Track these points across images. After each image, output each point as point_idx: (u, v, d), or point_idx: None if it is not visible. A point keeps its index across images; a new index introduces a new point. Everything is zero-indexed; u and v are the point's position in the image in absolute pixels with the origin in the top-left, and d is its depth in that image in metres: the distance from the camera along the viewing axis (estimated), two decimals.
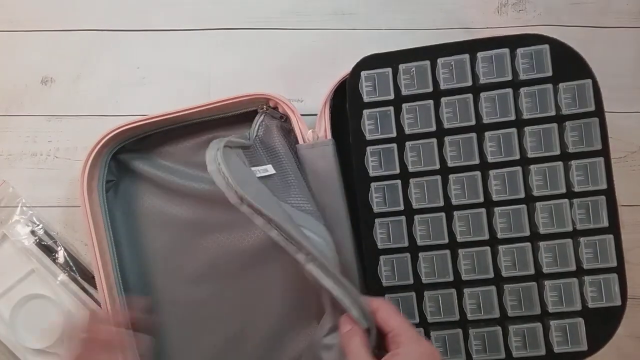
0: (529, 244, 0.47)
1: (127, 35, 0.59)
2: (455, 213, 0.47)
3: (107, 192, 0.55)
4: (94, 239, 0.52)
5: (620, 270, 0.46)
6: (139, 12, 0.59)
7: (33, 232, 0.57)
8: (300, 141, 0.51)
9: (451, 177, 0.47)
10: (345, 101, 0.50)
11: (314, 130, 0.51)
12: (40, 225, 0.57)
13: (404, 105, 0.48)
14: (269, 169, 0.50)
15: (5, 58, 0.60)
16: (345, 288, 0.39)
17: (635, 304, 0.54)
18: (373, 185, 0.48)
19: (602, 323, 0.46)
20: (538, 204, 0.47)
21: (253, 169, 0.48)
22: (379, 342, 0.41)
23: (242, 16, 0.59)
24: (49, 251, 0.56)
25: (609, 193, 0.47)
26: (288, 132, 0.54)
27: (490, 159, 0.47)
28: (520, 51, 0.47)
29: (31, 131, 0.59)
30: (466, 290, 0.47)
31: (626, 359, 0.55)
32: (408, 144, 0.48)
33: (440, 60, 0.47)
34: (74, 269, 0.56)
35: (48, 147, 0.59)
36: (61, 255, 0.57)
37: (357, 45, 0.58)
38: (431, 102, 0.47)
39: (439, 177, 0.48)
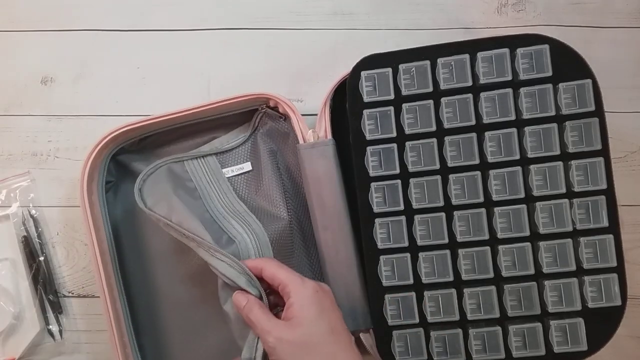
0: (529, 243, 0.47)
1: (127, 35, 0.59)
2: (455, 213, 0.47)
3: (107, 192, 0.55)
4: (94, 240, 0.52)
5: (620, 270, 0.46)
6: (139, 12, 0.59)
7: (26, 229, 0.57)
8: (301, 141, 0.51)
9: (451, 177, 0.47)
10: (345, 101, 0.50)
11: (314, 130, 0.51)
12: (34, 227, 0.57)
13: (404, 105, 0.48)
14: (245, 167, 0.55)
15: (5, 58, 0.60)
16: (230, 261, 0.45)
17: (635, 304, 0.54)
18: (373, 185, 0.48)
19: (602, 323, 0.46)
20: (538, 204, 0.47)
21: (228, 169, 0.55)
22: (276, 300, 0.44)
23: (242, 16, 0.59)
24: (31, 254, 0.56)
25: (609, 193, 0.47)
26: (282, 134, 0.54)
27: (490, 158, 0.47)
28: (520, 51, 0.47)
29: (31, 131, 0.59)
30: (466, 290, 0.47)
31: (626, 359, 0.55)
32: (408, 143, 0.48)
33: (440, 60, 0.47)
34: (42, 281, 0.56)
35: (48, 147, 0.59)
36: (41, 263, 0.56)
37: (357, 45, 0.58)
38: (431, 102, 0.47)
39: (439, 177, 0.48)
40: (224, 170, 0.55)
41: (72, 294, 0.58)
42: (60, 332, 0.56)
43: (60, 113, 0.59)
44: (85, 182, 0.52)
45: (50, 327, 0.56)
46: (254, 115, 0.54)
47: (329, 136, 0.50)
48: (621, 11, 0.57)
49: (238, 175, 0.55)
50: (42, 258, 0.57)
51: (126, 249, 0.56)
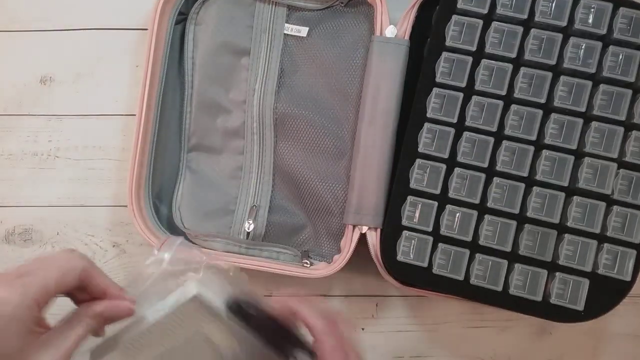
0: (563, 194, 0.47)
1: (126, 34, 0.58)
2: (504, 142, 0.47)
3: (176, 24, 0.56)
4: (151, 59, 0.53)
5: None
6: (139, 10, 0.58)
7: None
8: (377, 33, 0.51)
9: (513, 107, 0.47)
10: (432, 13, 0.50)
11: (395, 26, 0.51)
12: None
13: (493, 23, 0.48)
14: (303, 31, 0.56)
15: (5, 58, 0.59)
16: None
17: (635, 302, 0.54)
18: (435, 90, 0.48)
19: (605, 292, 0.46)
20: (586, 159, 0.47)
21: (290, 26, 0.56)
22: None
23: None
24: None
25: None
26: (356, 21, 0.55)
27: (556, 102, 0.47)
28: (622, 10, 0.47)
29: (31, 131, 0.59)
30: (487, 217, 0.47)
31: (626, 359, 0.55)
32: (484, 61, 0.48)
33: None
34: None
35: (48, 147, 0.59)
36: None
37: None
38: (521, 29, 0.48)
39: (501, 103, 0.48)
40: (285, 25, 0.56)
41: None
42: None
43: (60, 113, 0.59)
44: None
45: None
46: None
47: (407, 37, 0.51)
48: None
49: (294, 36, 0.56)
50: None
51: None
